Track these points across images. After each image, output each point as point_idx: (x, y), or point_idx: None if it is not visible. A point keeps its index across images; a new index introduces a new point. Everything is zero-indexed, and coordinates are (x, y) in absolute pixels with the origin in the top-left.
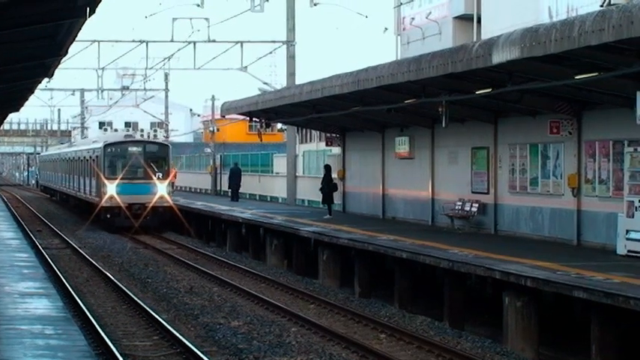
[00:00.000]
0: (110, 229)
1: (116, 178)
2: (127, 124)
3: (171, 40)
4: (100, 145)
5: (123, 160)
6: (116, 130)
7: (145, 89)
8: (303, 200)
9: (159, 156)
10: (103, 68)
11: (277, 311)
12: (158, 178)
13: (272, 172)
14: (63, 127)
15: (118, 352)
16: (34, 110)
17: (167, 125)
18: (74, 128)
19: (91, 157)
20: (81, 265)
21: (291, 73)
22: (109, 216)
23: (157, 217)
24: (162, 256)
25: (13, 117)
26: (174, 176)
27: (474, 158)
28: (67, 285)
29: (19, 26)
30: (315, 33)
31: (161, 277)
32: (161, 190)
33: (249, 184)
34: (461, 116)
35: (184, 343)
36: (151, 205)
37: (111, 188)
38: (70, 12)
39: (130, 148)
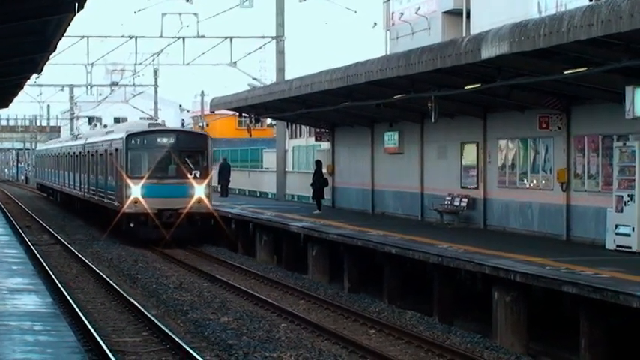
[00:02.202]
0: (133, 241)
1: (142, 178)
2: (116, 120)
3: (161, 36)
4: (121, 136)
5: (150, 154)
6: (105, 126)
7: (134, 85)
8: (292, 196)
9: (195, 149)
10: (92, 64)
11: (267, 307)
12: (195, 177)
13: (261, 167)
14: (52, 122)
15: (108, 347)
16: (23, 106)
17: (156, 121)
18: (78, 118)
19: (107, 151)
20: (70, 261)
21: (280, 69)
22: (132, 225)
23: (194, 227)
24: (151, 252)
25: (2, 113)
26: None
27: (463, 153)
28: (57, 281)
29: (8, 22)
30: (304, 28)
31: (150, 272)
32: (198, 192)
33: (239, 179)
34: (450, 111)
35: (174, 339)
36: (185, 211)
37: (135, 190)
38: (59, 8)
39: (158, 140)
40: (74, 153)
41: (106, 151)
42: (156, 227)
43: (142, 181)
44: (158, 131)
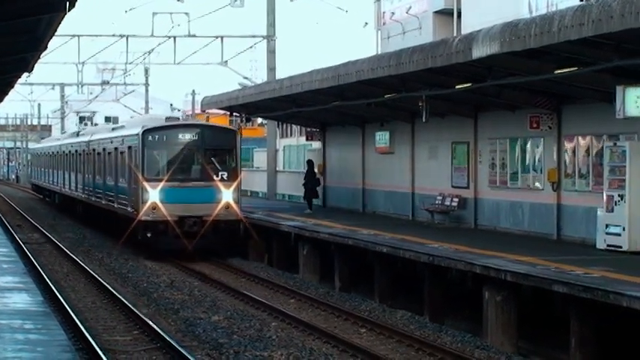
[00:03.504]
0: (151, 252)
1: (160, 180)
2: (107, 119)
3: (152, 35)
4: (137, 131)
5: (170, 152)
6: (96, 124)
7: (125, 84)
8: (283, 195)
9: (223, 146)
10: (83, 63)
11: (258, 306)
12: (222, 179)
13: (252, 166)
14: (43, 121)
15: (98, 346)
16: (14, 105)
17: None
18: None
19: (117, 149)
20: (61, 260)
21: (271, 68)
22: (149, 235)
23: (220, 237)
24: (142, 250)
25: None
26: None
27: (454, 153)
28: (47, 279)
29: None
30: (295, 28)
31: (141, 271)
32: (226, 196)
33: None
34: (441, 111)
35: (164, 338)
36: (211, 218)
37: (153, 194)
38: (50, 6)
39: (180, 136)
40: (76, 151)
41: (116, 149)
42: (176, 237)
43: (161, 184)
44: (180, 126)
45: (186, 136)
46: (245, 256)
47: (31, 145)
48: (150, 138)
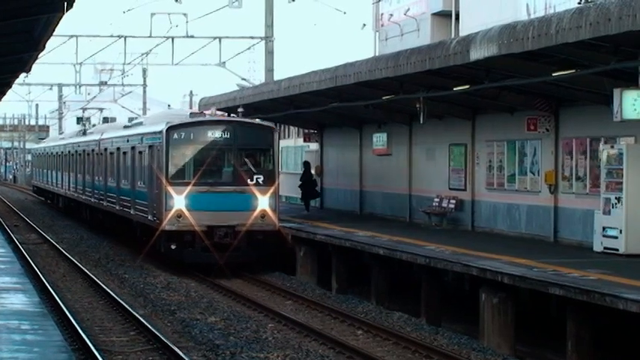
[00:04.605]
0: (175, 266)
1: (187, 184)
2: (105, 119)
3: (150, 36)
4: (160, 128)
5: (198, 152)
6: (94, 125)
7: (122, 84)
8: (280, 196)
9: (258, 145)
10: (80, 63)
11: (254, 307)
12: (257, 183)
13: None
14: (41, 121)
15: (94, 347)
16: (12, 105)
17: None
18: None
19: (134, 148)
20: (58, 261)
21: (269, 69)
22: (173, 247)
23: (255, 249)
24: (138, 252)
25: None
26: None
27: (452, 155)
28: (44, 280)
29: None
30: (293, 29)
31: (138, 272)
32: (262, 203)
33: None
34: (438, 113)
35: (161, 339)
36: (245, 228)
37: (178, 201)
38: (48, 6)
39: (210, 134)
40: (84, 151)
41: (133, 148)
42: (205, 249)
43: (188, 189)
44: (209, 122)
45: (217, 134)
46: (284, 270)
47: (33, 145)
48: (175, 136)
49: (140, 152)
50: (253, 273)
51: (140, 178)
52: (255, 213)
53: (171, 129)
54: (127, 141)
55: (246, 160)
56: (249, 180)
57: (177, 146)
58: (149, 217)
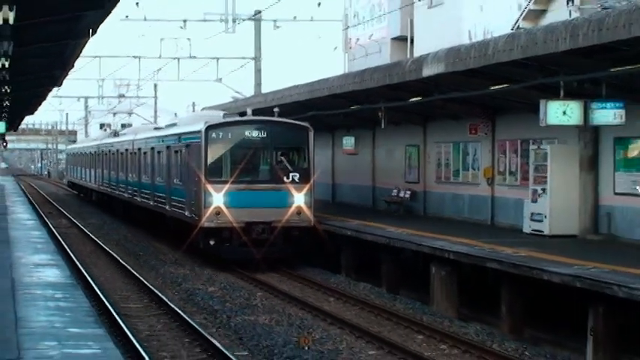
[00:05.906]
0: (214, 261)
1: (225, 182)
2: (123, 126)
3: (160, 57)
4: (199, 127)
5: (236, 151)
6: (114, 130)
7: (137, 97)
8: None
9: (294, 144)
10: (103, 79)
11: (246, 279)
12: (293, 181)
13: None
14: (70, 127)
15: (115, 312)
16: (46, 113)
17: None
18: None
19: (170, 147)
20: (85, 241)
21: (257, 84)
22: (212, 243)
23: (291, 244)
24: (150, 235)
25: (28, 119)
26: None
27: (407, 154)
28: (74, 257)
29: (34, 44)
30: (278, 50)
31: (151, 250)
32: (298, 200)
33: None
34: (396, 120)
35: (169, 305)
36: (281, 224)
37: (217, 198)
38: (76, 33)
39: (247, 133)
40: (117, 150)
41: (168, 147)
42: (243, 245)
43: (226, 187)
44: (246, 122)
45: (254, 133)
46: (319, 264)
47: (68, 146)
48: (214, 135)
49: (176, 151)
50: (289, 267)
51: (176, 175)
52: (291, 210)
53: (210, 128)
54: (162, 141)
55: (282, 158)
56: (285, 178)
57: (215, 145)
58: (186, 214)
